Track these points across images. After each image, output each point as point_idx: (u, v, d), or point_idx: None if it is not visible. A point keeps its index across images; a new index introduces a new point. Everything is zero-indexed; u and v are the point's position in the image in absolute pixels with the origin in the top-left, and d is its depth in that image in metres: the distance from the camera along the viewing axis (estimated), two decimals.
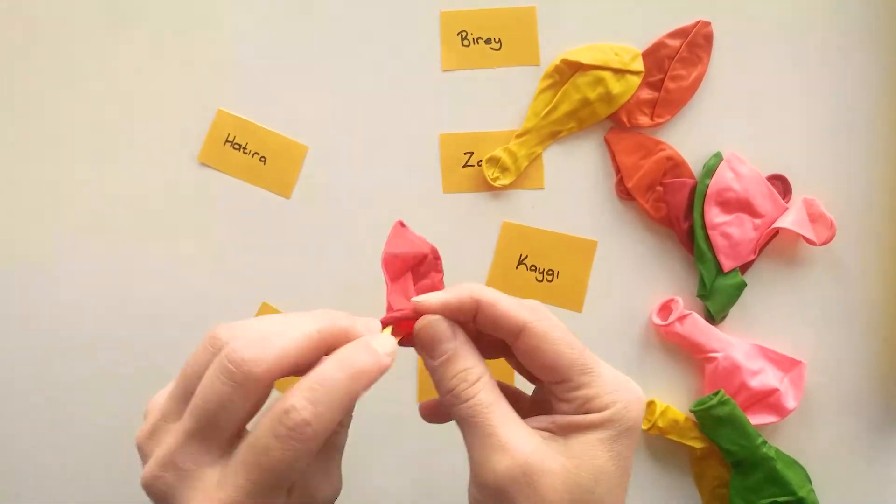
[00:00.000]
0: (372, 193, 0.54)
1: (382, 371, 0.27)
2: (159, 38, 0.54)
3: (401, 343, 0.30)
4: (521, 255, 0.54)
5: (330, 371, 0.26)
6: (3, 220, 0.54)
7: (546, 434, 0.28)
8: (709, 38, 0.54)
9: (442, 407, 0.32)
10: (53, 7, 0.54)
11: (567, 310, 0.54)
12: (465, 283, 0.30)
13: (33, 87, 0.54)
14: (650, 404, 0.53)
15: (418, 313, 0.30)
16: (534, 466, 0.27)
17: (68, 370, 0.54)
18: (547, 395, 0.30)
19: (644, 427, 0.52)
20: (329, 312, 0.28)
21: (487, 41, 0.55)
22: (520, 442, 0.27)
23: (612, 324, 0.54)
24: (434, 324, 0.29)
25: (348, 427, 0.30)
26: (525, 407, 0.33)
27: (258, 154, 0.55)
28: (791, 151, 0.53)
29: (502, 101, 0.54)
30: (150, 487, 0.26)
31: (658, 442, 0.53)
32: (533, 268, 0.54)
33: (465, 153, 0.54)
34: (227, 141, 0.55)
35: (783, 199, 0.53)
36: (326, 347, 0.27)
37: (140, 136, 0.54)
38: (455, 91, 0.54)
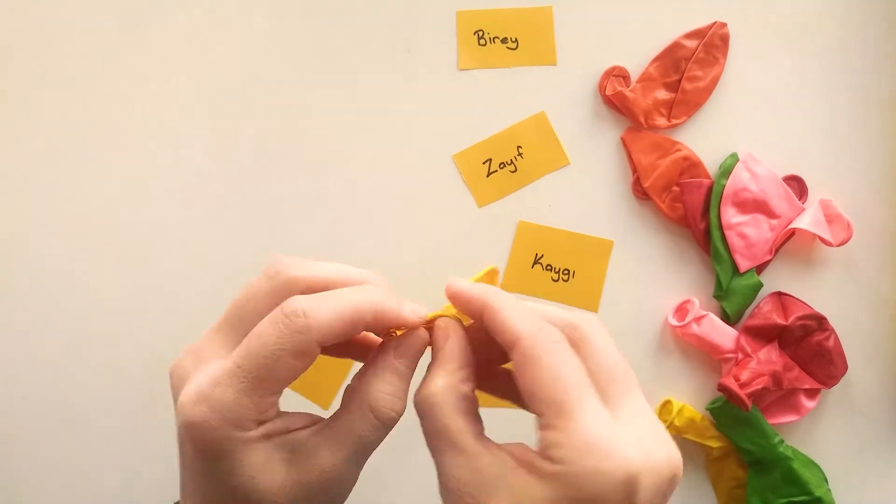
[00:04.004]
0: (389, 190, 0.54)
1: (401, 316, 0.28)
2: (167, 41, 0.54)
3: None
4: (536, 255, 0.54)
5: (349, 288, 0.27)
6: (11, 218, 0.54)
7: (512, 465, 0.26)
8: (725, 39, 0.54)
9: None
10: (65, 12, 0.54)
11: (583, 310, 0.54)
12: (486, 285, 0.29)
13: (41, 90, 0.54)
14: (666, 404, 0.53)
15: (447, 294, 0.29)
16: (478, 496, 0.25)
17: (81, 363, 0.54)
18: None
19: None
20: (380, 294, 0.28)
21: (504, 40, 0.55)
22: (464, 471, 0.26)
23: (628, 324, 0.54)
24: (441, 325, 0.29)
25: (379, 424, 0.28)
26: None
27: None
28: (807, 152, 0.53)
29: (518, 99, 0.54)
30: (171, 374, 0.27)
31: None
32: (549, 267, 0.54)
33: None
34: None
35: (799, 199, 0.53)
36: (371, 325, 0.28)
37: (153, 138, 0.54)
38: (471, 90, 0.54)
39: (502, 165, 0.54)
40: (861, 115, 0.53)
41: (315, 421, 0.28)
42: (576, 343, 0.27)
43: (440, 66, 0.54)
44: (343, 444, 0.27)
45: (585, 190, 0.54)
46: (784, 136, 0.54)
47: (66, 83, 0.54)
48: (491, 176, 0.54)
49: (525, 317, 0.27)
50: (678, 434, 0.52)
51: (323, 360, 0.28)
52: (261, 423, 0.26)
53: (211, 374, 0.25)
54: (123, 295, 0.53)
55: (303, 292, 0.27)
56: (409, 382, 0.29)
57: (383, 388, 0.28)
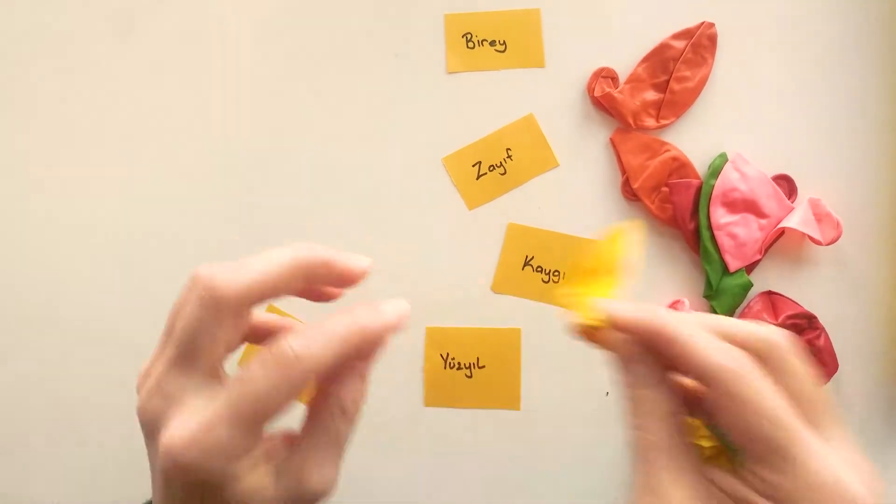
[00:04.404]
0: (379, 193, 0.54)
1: (386, 327, 0.27)
2: (158, 46, 0.54)
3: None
4: (527, 257, 0.54)
5: (330, 318, 0.26)
6: (6, 223, 0.54)
7: (721, 497, 0.25)
8: (713, 39, 0.54)
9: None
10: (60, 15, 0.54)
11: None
12: (653, 306, 0.28)
13: (50, 92, 0.54)
14: None
15: (607, 320, 0.28)
16: None
17: (77, 367, 0.54)
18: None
19: None
20: (309, 244, 0.28)
21: (492, 43, 0.55)
22: (674, 499, 0.25)
23: None
24: (631, 344, 0.28)
25: (353, 421, 0.29)
26: None
27: None
28: (796, 151, 0.53)
29: (507, 102, 0.54)
30: (141, 416, 0.27)
31: None
32: (539, 269, 0.54)
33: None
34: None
35: (789, 199, 0.53)
36: (303, 274, 0.27)
37: (146, 144, 0.54)
38: (460, 93, 0.54)
39: (492, 168, 0.55)
40: (850, 113, 0.53)
41: (288, 431, 0.29)
42: (772, 362, 0.26)
43: (429, 70, 0.54)
44: (327, 448, 0.28)
45: (575, 191, 0.54)
46: (773, 135, 0.54)
47: (59, 89, 0.54)
48: (480, 178, 0.55)
49: (713, 347, 0.25)
50: None
51: None
52: (250, 451, 0.26)
53: (200, 417, 0.25)
54: (118, 298, 0.54)
55: (240, 302, 0.26)
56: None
57: (357, 392, 0.29)
